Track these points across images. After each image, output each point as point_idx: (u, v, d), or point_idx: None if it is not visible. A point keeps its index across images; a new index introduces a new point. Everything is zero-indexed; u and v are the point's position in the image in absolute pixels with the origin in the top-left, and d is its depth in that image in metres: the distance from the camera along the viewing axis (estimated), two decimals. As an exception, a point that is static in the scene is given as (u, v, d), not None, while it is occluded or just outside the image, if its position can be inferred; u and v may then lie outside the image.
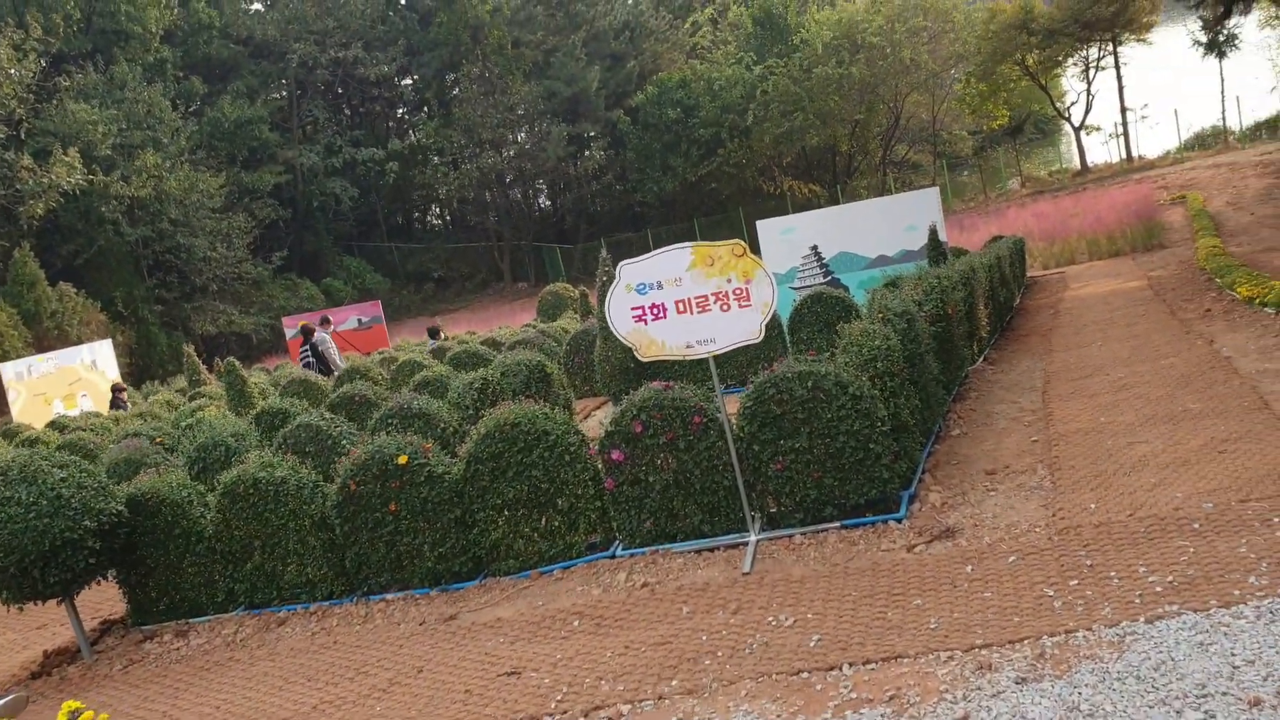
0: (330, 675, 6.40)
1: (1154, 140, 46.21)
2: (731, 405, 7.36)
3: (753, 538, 6.86)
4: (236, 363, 15.19)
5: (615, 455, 7.05)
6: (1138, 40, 44.67)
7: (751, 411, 6.83)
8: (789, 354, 13.43)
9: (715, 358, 6.98)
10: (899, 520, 6.71)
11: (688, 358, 6.87)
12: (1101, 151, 47.86)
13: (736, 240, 6.55)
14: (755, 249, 17.62)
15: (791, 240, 17.02)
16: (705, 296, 6.68)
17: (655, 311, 6.75)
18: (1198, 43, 43.40)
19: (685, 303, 6.72)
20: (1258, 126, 43.11)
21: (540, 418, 7.31)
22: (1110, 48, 44.33)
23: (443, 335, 22.85)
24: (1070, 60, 45.62)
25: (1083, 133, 46.21)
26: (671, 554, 6.97)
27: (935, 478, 7.46)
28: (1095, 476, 6.77)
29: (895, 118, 47.46)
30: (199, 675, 6.96)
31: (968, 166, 53.18)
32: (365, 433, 9.74)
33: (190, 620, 8.05)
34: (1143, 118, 46.79)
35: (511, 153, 53.53)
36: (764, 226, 17.23)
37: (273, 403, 12.28)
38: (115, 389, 21.62)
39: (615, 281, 6.77)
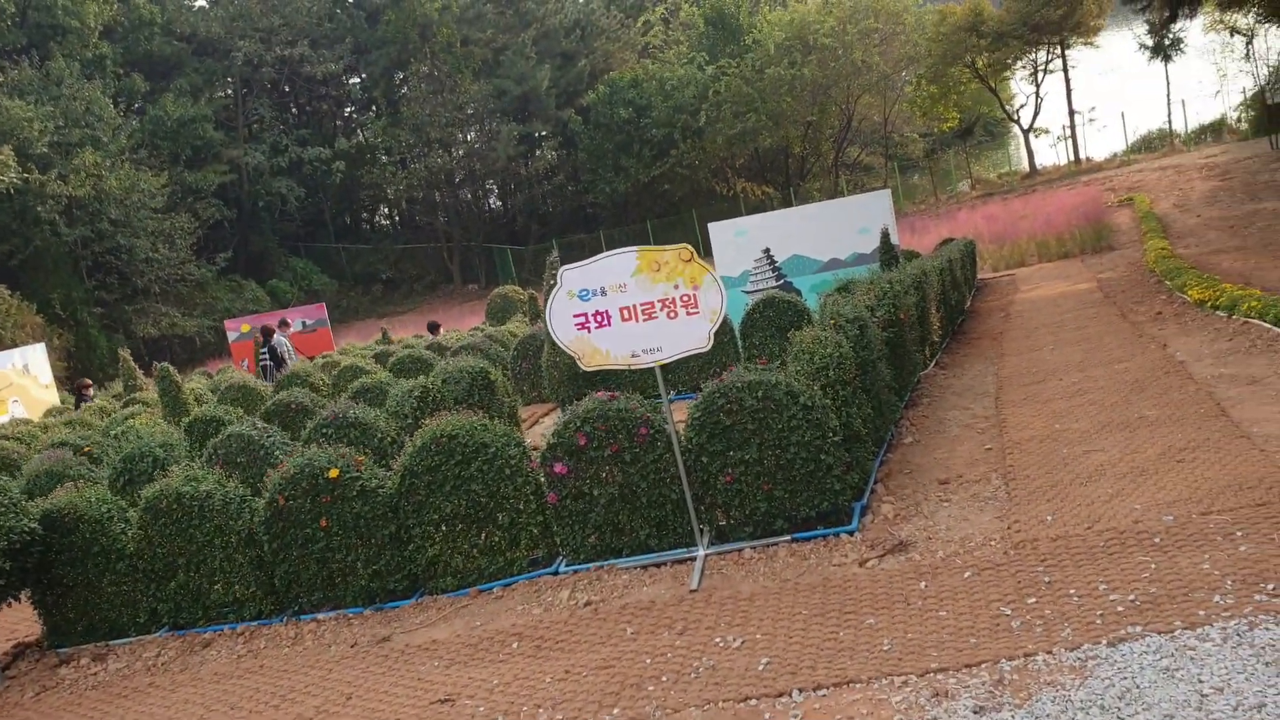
0: (254, 703, 6.04)
1: (1101, 143, 46.80)
2: (681, 413, 7.11)
3: (701, 552, 6.60)
4: (170, 368, 14.68)
5: (558, 468, 6.75)
6: (1085, 44, 45.19)
7: (700, 422, 6.57)
8: (741, 359, 13.21)
9: (663, 366, 6.72)
10: (851, 533, 6.48)
11: (633, 367, 6.60)
12: (1050, 154, 48.40)
13: (684, 245, 6.28)
14: (707, 251, 17.44)
15: (744, 243, 16.83)
16: (651, 303, 6.40)
17: (599, 319, 6.47)
18: (1144, 46, 44.06)
19: (630, 310, 6.44)
20: (1202, 130, 43.73)
21: (479, 429, 7.00)
22: (1058, 51, 44.76)
23: (441, 331, 22.41)
24: (1019, 63, 46.04)
25: (1031, 135, 46.64)
26: (616, 570, 6.69)
27: (888, 488, 7.24)
28: (1051, 487, 6.59)
29: (847, 119, 47.54)
30: (115, 702, 6.57)
31: (918, 169, 53.47)
32: (299, 443, 9.36)
33: (110, 642, 7.64)
34: (1090, 120, 47.39)
35: (461, 152, 52.97)
36: (716, 228, 17.03)
37: (206, 410, 11.84)
38: (80, 386, 20.83)
39: (557, 287, 6.48)
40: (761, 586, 6.02)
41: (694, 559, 6.57)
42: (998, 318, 15.96)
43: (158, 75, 51.00)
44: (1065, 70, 45.28)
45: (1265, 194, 26.74)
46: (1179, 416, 7.50)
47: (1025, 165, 46.81)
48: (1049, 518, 6.06)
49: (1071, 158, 45.29)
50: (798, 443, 6.42)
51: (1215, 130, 42.95)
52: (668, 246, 6.29)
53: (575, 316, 6.48)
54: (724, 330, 13.09)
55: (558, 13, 54.92)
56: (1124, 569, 5.17)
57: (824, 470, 6.45)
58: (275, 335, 18.70)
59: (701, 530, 6.75)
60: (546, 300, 6.56)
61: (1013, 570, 5.46)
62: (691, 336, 6.43)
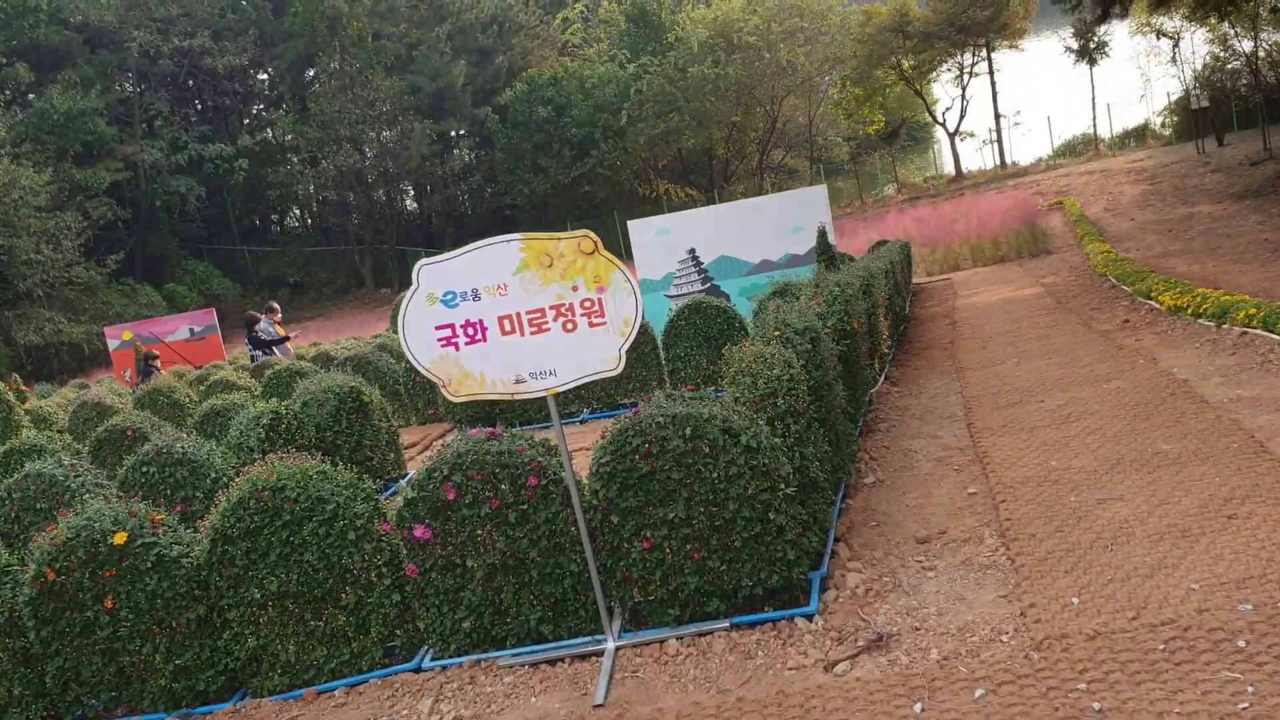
0: None
1: (1026, 147, 46.32)
2: (589, 440, 5.44)
3: (610, 645, 4.94)
4: (2, 385, 12.60)
5: (419, 532, 5.05)
6: (1009, 46, 44.62)
7: (609, 470, 4.91)
8: (664, 373, 11.62)
9: (558, 395, 5.05)
10: (810, 617, 4.88)
11: (518, 397, 4.90)
12: (975, 158, 47.79)
13: (585, 232, 4.63)
14: (628, 252, 15.83)
15: (667, 243, 15.30)
16: (541, 311, 4.73)
17: (470, 331, 4.77)
18: (1069, 49, 43.59)
19: (513, 319, 4.76)
20: (1126, 134, 43.41)
21: (315, 479, 5.25)
22: (984, 53, 44.11)
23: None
24: (945, 65, 45.30)
25: (957, 138, 45.92)
26: (498, 669, 5.00)
27: (852, 549, 5.65)
28: (1066, 551, 5.06)
29: (772, 121, 46.37)
30: None
31: (844, 172, 52.55)
32: (114, 485, 7.52)
33: None
34: (1015, 124, 46.89)
35: (373, 151, 50.61)
36: (636, 226, 15.46)
37: (25, 439, 9.86)
38: (147, 356, 18.31)
39: (412, 289, 4.77)
40: (692, 702, 4.38)
41: (601, 654, 4.91)
42: (943, 325, 14.62)
43: (46, 66, 47.87)
44: (991, 73, 44.69)
45: (1197, 198, 26.18)
46: (1207, 453, 6.02)
47: (950, 169, 46.06)
48: (1075, 599, 4.52)
49: (997, 161, 44.67)
50: (739, 497, 4.81)
51: (1139, 135, 42.69)
52: (563, 234, 4.63)
53: (438, 329, 4.77)
54: (644, 339, 11.51)
55: (474, 7, 52.86)
56: (1206, 691, 3.63)
57: (774, 533, 4.85)
58: (261, 322, 16.92)
59: (611, 611, 5.10)
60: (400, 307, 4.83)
61: (1043, 687, 3.89)
62: (596, 355, 4.77)
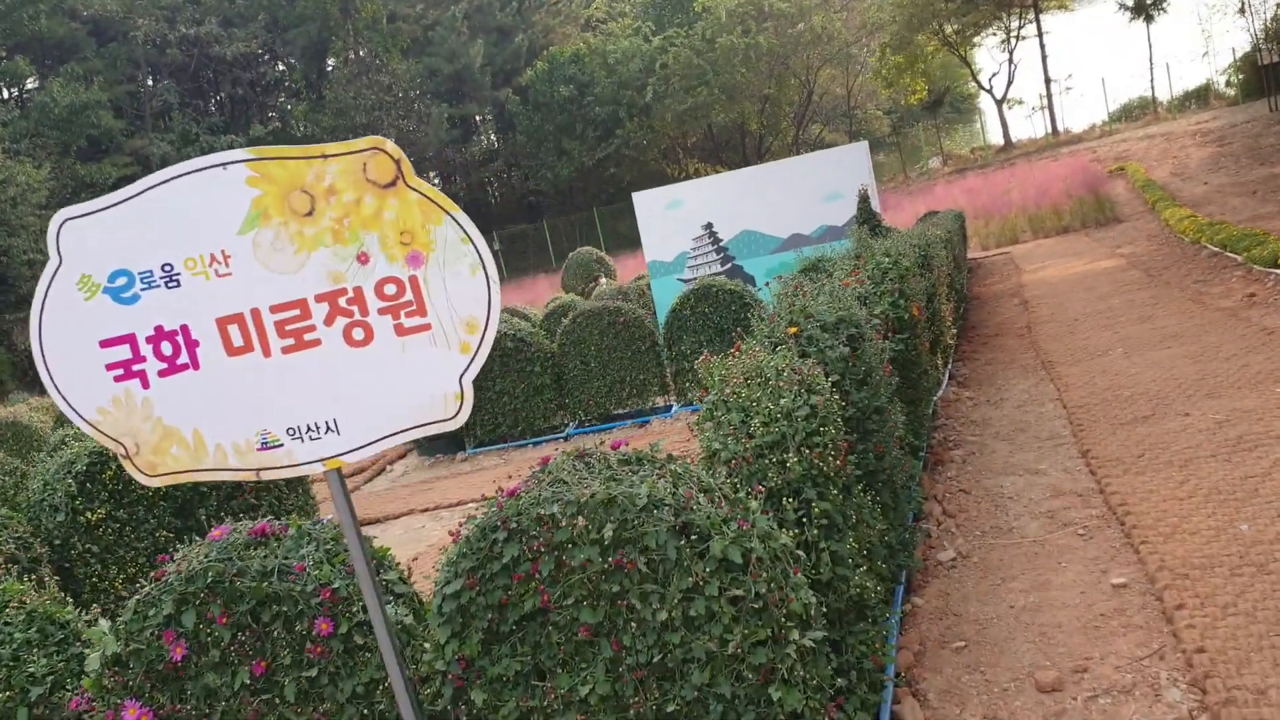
0: None
1: (1079, 113, 43.69)
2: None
3: None
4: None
5: (131, 714, 2.75)
6: (1059, 7, 41.83)
7: (462, 605, 2.58)
8: (666, 371, 9.30)
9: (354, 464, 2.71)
10: None
11: (267, 475, 2.55)
12: (1024, 126, 45.30)
13: (375, 140, 2.29)
14: (637, 243, 13.50)
15: (679, 217, 12.99)
16: (301, 304, 2.38)
17: (166, 349, 2.44)
18: (1124, 7, 40.72)
19: (247, 324, 2.42)
20: (1186, 96, 40.53)
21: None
22: (1032, 15, 41.27)
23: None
24: (990, 29, 42.53)
25: (1005, 106, 43.11)
26: None
27: (928, 704, 3.27)
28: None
29: (807, 93, 43.74)
30: None
31: (885, 146, 49.81)
32: None
33: None
34: (1067, 89, 44.11)
35: (391, 138, 48.48)
36: (643, 199, 13.18)
37: None
38: None
39: (52, 266, 2.44)
40: None
41: None
42: (1012, 306, 12.20)
43: (51, 58, 46.20)
44: (1039, 36, 41.79)
45: (1276, 158, 23.68)
46: None
47: (998, 138, 43.29)
48: None
49: (1049, 129, 41.80)
50: (711, 658, 2.46)
51: (1200, 96, 39.82)
52: (332, 147, 2.29)
53: (105, 346, 2.45)
54: (641, 334, 9.17)
55: (492, -16, 50.61)
56: None
57: (781, 723, 2.50)
58: None
59: None
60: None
61: None
62: (415, 390, 2.40)
